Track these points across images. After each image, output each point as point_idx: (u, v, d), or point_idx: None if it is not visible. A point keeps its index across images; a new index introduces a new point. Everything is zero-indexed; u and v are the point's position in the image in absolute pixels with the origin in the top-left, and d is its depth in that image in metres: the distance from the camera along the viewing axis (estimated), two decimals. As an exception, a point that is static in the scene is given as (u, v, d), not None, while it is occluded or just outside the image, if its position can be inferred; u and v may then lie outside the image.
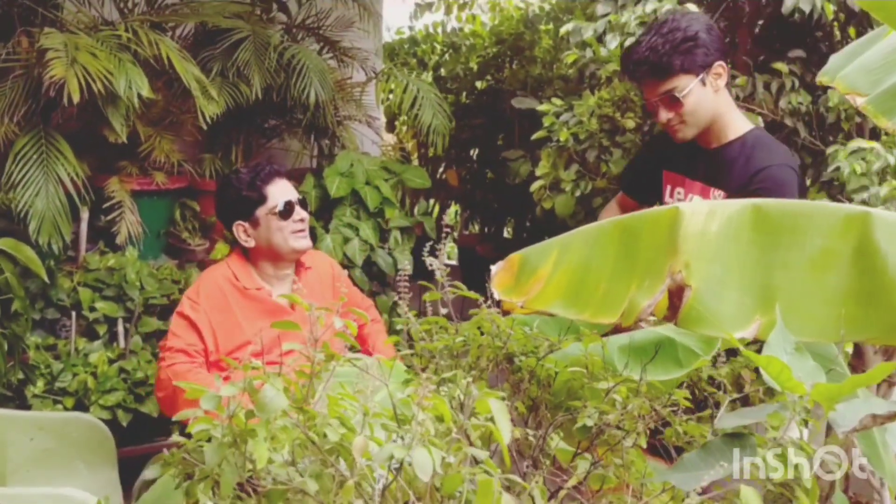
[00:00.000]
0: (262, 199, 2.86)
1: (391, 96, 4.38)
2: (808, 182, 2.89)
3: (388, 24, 5.61)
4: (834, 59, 1.84)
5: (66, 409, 3.46)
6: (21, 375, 3.31)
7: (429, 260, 1.53)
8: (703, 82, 2.48)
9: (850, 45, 1.88)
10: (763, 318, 1.22)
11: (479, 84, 5.21)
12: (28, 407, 3.40)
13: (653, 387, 1.39)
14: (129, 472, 3.09)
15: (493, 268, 1.40)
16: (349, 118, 4.17)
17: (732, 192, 2.46)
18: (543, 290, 1.31)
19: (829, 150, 2.66)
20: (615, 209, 2.92)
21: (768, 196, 2.22)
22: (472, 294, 1.47)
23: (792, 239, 1.23)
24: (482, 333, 1.44)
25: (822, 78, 1.83)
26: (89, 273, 3.77)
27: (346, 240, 3.86)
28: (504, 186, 4.64)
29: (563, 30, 3.04)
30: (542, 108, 3.39)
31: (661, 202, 2.73)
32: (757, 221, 1.25)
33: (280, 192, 2.86)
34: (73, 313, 3.62)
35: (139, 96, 3.49)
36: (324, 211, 3.94)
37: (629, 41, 2.85)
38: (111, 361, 3.65)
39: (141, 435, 3.59)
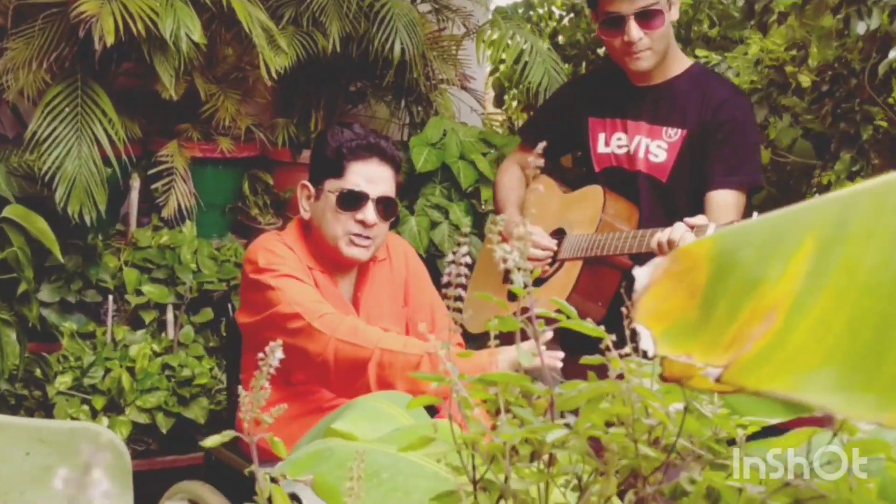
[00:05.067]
0: (338, 172, 2.06)
1: (503, 57, 3.53)
2: None
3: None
4: None
5: (94, 410, 2.79)
6: (37, 369, 2.65)
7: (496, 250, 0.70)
8: (669, 5, 2.22)
9: None
10: None
11: (601, 51, 4.31)
12: (51, 407, 2.75)
13: None
14: (164, 486, 2.42)
15: (640, 272, 0.55)
16: (445, 81, 3.35)
17: (693, 128, 2.24)
18: (783, 340, 0.47)
19: None
20: (516, 172, 2.53)
21: (739, 128, 2.19)
22: (593, 330, 0.64)
23: None
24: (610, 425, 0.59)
25: None
26: (138, 251, 3.09)
27: (434, 224, 3.05)
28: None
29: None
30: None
31: (591, 153, 2.38)
32: None
33: (365, 175, 2.06)
34: (111, 297, 2.94)
35: (197, 47, 2.79)
36: (410, 188, 3.15)
37: None
38: (156, 355, 2.96)
39: (183, 444, 2.90)
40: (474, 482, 0.66)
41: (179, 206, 3.01)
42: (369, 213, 2.04)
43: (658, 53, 2.23)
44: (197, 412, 2.92)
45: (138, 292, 3.02)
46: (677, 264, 0.53)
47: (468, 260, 0.76)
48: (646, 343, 0.52)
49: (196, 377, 2.92)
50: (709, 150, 2.20)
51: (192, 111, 3.18)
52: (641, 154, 2.29)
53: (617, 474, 0.61)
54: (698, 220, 1.98)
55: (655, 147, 2.28)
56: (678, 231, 1.95)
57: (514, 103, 4.63)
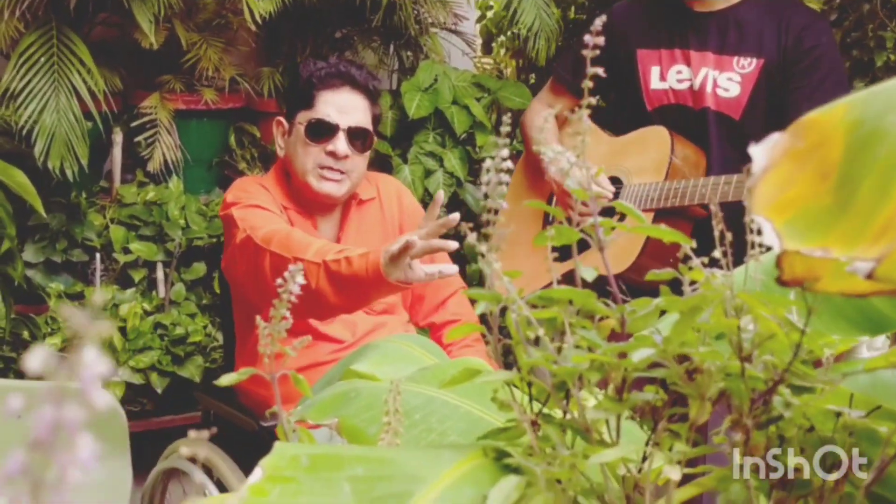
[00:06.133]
0: (308, 103, 1.94)
1: (490, 3, 3.39)
2: None
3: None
4: None
5: (86, 371, 2.68)
6: (24, 331, 2.54)
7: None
8: None
9: None
10: None
11: (591, -7, 4.16)
12: (39, 369, 2.64)
13: None
14: (161, 446, 2.34)
15: (756, 150, 0.45)
16: (435, 24, 3.21)
17: (771, 57, 1.93)
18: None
19: None
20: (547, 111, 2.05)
21: (827, 55, 1.91)
22: (677, 236, 0.54)
23: None
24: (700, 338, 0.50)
25: None
26: (124, 208, 2.97)
27: (428, 172, 2.94)
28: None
29: None
30: None
31: (641, 91, 2.07)
32: None
33: (335, 105, 1.93)
34: (98, 256, 2.82)
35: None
36: (402, 136, 3.03)
37: None
38: (147, 314, 2.85)
39: (178, 403, 2.81)
40: (535, 416, 0.57)
41: (165, 160, 2.88)
42: (340, 143, 1.90)
43: None
44: (192, 371, 2.83)
45: (126, 250, 2.90)
46: (801, 140, 0.43)
47: (509, 165, 0.66)
48: (768, 237, 0.42)
49: (190, 335, 2.83)
50: (792, 82, 1.90)
51: (173, 62, 3.03)
52: (709, 88, 1.98)
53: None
54: None
55: (725, 80, 1.97)
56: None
57: (503, 51, 4.49)
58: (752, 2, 1.98)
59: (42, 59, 2.53)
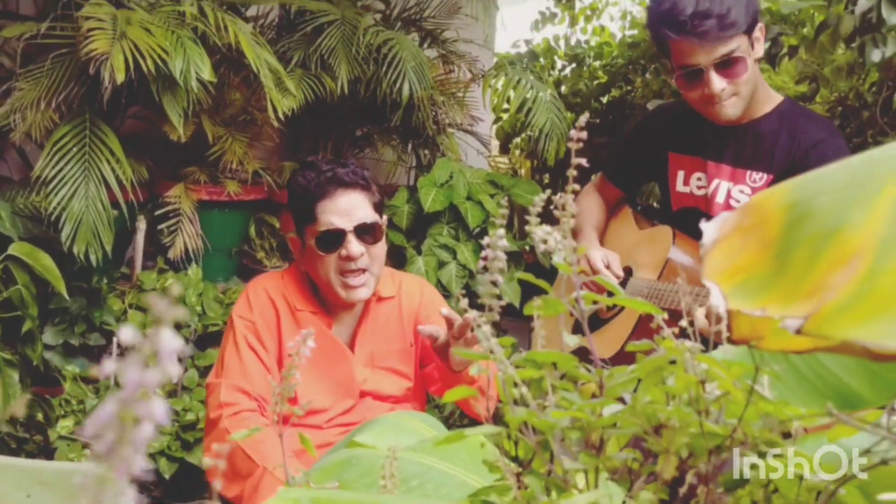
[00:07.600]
0: (311, 218, 1.99)
1: (505, 106, 3.55)
2: None
3: (505, 36, 4.82)
4: None
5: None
6: (39, 412, 2.59)
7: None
8: (752, 45, 1.96)
9: None
10: None
11: (604, 99, 4.34)
12: (52, 451, 2.68)
13: None
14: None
15: (708, 226, 0.52)
16: (452, 125, 3.35)
17: (779, 173, 2.00)
18: (870, 286, 0.43)
19: None
20: (596, 198, 2.38)
21: None
22: (648, 307, 0.60)
23: None
24: (671, 399, 0.56)
25: None
26: (143, 293, 3.05)
27: (442, 264, 3.02)
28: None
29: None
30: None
31: (669, 191, 2.20)
32: None
33: (334, 211, 1.98)
34: (115, 340, 2.89)
35: (206, 89, 2.79)
36: (417, 229, 3.13)
37: None
38: (159, 399, 2.90)
39: (187, 489, 2.82)
40: (521, 467, 0.62)
41: (186, 248, 2.98)
42: (352, 246, 1.96)
43: (745, 98, 1.99)
44: (201, 457, 2.85)
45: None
46: (748, 218, 0.50)
47: (505, 244, 0.73)
48: (715, 299, 0.48)
49: (200, 421, 2.86)
50: None
51: (199, 154, 3.17)
52: (720, 198, 2.08)
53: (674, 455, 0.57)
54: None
55: (738, 192, 2.07)
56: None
57: (518, 152, 4.65)
58: (772, 115, 2.05)
59: (74, 149, 2.66)
